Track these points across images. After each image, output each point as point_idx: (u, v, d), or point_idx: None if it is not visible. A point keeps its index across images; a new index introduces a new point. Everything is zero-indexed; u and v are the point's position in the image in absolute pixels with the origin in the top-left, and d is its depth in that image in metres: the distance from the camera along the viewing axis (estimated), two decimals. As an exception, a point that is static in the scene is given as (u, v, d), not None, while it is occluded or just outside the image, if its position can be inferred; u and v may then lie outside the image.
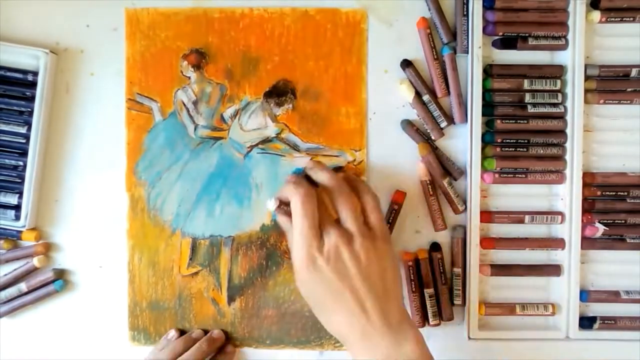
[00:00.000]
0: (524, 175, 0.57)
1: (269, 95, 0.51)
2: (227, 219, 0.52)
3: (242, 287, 0.52)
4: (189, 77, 0.51)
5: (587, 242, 0.58)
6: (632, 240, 0.58)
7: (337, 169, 0.51)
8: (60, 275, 0.54)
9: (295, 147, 0.52)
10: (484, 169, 0.55)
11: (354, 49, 0.51)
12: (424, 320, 0.54)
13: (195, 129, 0.52)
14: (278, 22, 0.51)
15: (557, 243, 0.56)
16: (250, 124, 0.52)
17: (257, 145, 0.52)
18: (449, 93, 0.55)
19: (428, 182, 0.52)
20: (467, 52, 0.57)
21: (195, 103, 0.52)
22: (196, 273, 0.52)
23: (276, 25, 0.51)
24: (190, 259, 0.52)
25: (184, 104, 0.52)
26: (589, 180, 0.58)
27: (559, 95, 0.58)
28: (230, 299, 0.52)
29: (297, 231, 0.44)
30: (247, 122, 0.52)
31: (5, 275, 0.55)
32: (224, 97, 0.51)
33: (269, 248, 0.52)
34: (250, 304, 0.52)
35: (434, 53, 0.55)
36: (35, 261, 0.54)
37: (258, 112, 0.52)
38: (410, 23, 0.54)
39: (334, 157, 0.51)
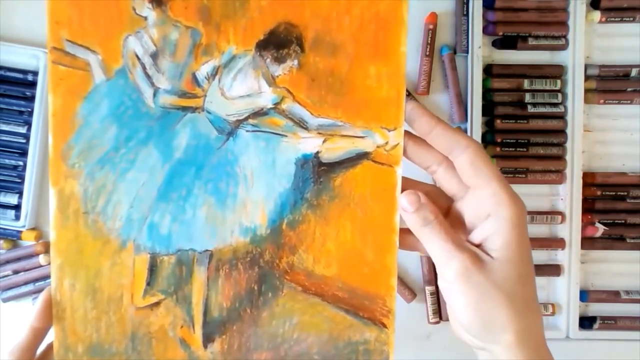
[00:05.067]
0: (524, 175, 0.61)
1: (264, 46, 0.38)
2: (203, 226, 0.39)
3: (224, 322, 0.39)
4: (145, 18, 0.37)
5: (587, 242, 0.61)
6: (632, 240, 0.62)
7: (361, 156, 0.39)
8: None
9: (302, 124, 0.38)
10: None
11: (388, -21, 0.38)
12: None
13: (154, 95, 0.38)
14: (278, -63, 0.37)
15: (557, 243, 0.60)
16: (237, 88, 0.38)
17: (246, 119, 0.38)
18: (428, 92, 0.61)
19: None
20: (467, 52, 0.60)
21: (154, 56, 0.38)
22: (157, 304, 0.39)
23: (275, -57, 0.37)
24: (148, 283, 0.39)
25: (138, 58, 0.37)
26: (589, 180, 0.62)
27: (559, 95, 0.62)
28: (208, 339, 0.39)
29: (516, 208, 0.36)
30: (231, 86, 0.38)
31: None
32: (198, 47, 0.38)
33: (263, 267, 0.39)
34: (236, 346, 0.39)
35: (427, 50, 0.58)
36: (41, 259, 0.61)
37: (248, 70, 0.38)
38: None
39: (358, 139, 0.38)
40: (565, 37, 0.62)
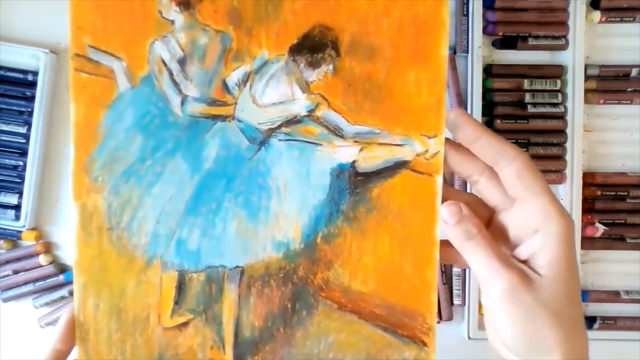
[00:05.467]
0: (524, 175, 0.61)
1: (297, 50, 0.36)
2: (234, 241, 0.37)
3: (256, 343, 0.37)
4: (172, 22, 0.36)
5: (587, 242, 0.62)
6: (632, 240, 0.63)
7: (400, 165, 0.37)
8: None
9: (338, 132, 0.36)
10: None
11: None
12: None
13: (182, 103, 0.36)
14: None
15: (557, 243, 0.60)
16: (269, 95, 0.36)
17: (279, 128, 0.37)
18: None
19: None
20: (467, 52, 0.60)
21: (182, 62, 0.36)
22: (185, 324, 0.37)
23: (309, -59, 0.36)
24: (176, 302, 0.37)
25: (165, 64, 0.36)
26: (589, 180, 0.62)
27: (559, 95, 0.62)
28: None
29: (565, 224, 0.34)
30: (263, 93, 0.36)
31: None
32: (228, 52, 0.36)
33: (297, 283, 0.37)
34: (268, 367, 0.38)
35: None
36: (41, 259, 0.62)
37: (281, 76, 0.36)
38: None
39: (396, 147, 0.37)
40: (565, 37, 0.63)
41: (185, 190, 0.36)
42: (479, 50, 0.61)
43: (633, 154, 0.64)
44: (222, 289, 0.37)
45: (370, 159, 0.37)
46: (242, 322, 0.37)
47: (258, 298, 0.37)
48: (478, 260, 0.35)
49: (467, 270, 0.58)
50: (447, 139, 0.37)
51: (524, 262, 0.35)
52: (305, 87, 0.36)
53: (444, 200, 0.37)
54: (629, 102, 0.64)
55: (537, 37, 0.63)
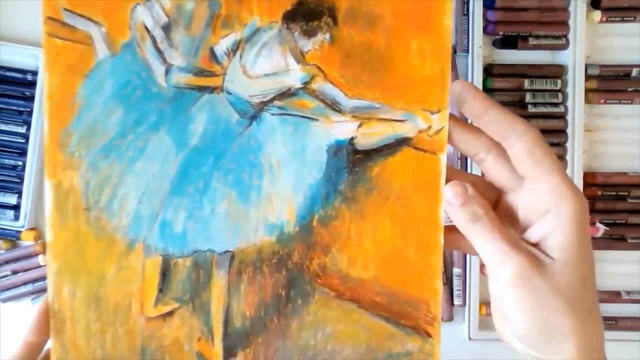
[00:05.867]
0: (524, 175, 0.61)
1: (292, 17, 0.34)
2: (223, 224, 0.34)
3: (247, 334, 0.35)
4: (156, -15, 0.33)
5: None
6: (632, 240, 0.63)
7: (401, 142, 0.35)
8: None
9: (335, 106, 0.34)
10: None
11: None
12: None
13: (167, 73, 0.34)
14: None
15: (557, 243, 0.60)
16: (261, 65, 0.34)
17: (272, 101, 0.34)
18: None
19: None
20: (467, 52, 0.60)
21: (166, 28, 0.33)
22: (170, 313, 0.35)
23: None
24: (161, 290, 0.35)
25: (148, 30, 0.33)
26: (590, 180, 0.62)
27: (560, 95, 0.63)
28: (229, 353, 0.35)
29: (579, 204, 0.32)
30: (255, 63, 0.34)
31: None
32: (216, 19, 0.33)
33: (292, 269, 0.35)
34: (260, 360, 0.35)
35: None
36: (41, 259, 0.61)
37: (274, 45, 0.34)
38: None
39: (397, 123, 0.34)
40: (565, 36, 0.64)
41: (170, 168, 0.34)
42: (479, 50, 0.62)
43: (634, 153, 0.64)
44: (211, 276, 0.35)
45: (370, 136, 0.34)
46: (233, 312, 0.35)
47: (249, 285, 0.35)
48: (485, 243, 0.33)
49: (467, 271, 0.58)
50: (451, 115, 0.34)
51: (535, 245, 0.33)
52: (300, 58, 0.34)
53: (447, 181, 0.34)
54: (629, 101, 0.64)
55: (537, 37, 0.64)
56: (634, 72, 0.64)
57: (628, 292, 0.63)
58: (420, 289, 0.35)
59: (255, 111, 0.34)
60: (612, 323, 0.63)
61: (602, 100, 0.64)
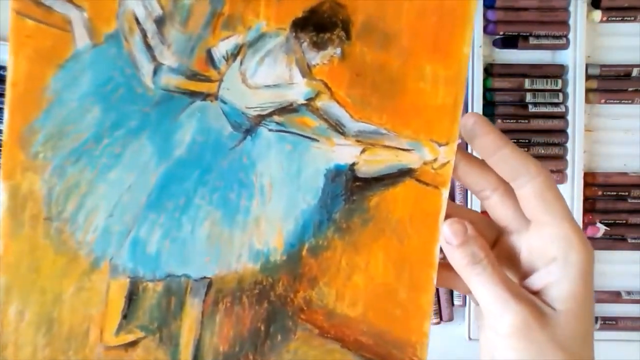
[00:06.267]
0: (525, 175, 0.62)
1: (302, 25, 0.31)
2: (203, 247, 0.31)
3: None
4: (152, -29, 0.30)
5: None
6: (633, 240, 0.63)
7: (405, 173, 0.32)
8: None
9: (339, 127, 0.32)
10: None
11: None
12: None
13: (155, 73, 0.30)
14: None
15: (557, 243, 0.61)
16: (263, 75, 0.31)
17: (271, 115, 0.31)
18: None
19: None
20: None
21: (159, 22, 0.30)
22: (134, 343, 0.31)
23: None
24: (125, 316, 0.31)
25: (138, 22, 0.30)
26: (590, 180, 0.63)
27: (560, 94, 0.63)
28: None
29: (587, 254, 0.32)
30: (256, 72, 0.31)
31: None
32: (218, 18, 0.30)
33: (274, 302, 0.32)
34: (231, 402, 0.32)
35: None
36: None
37: (279, 54, 0.31)
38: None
39: (402, 152, 0.32)
40: (566, 36, 0.64)
41: (148, 180, 0.31)
42: (480, 50, 0.61)
43: (634, 153, 0.65)
44: (183, 304, 0.31)
45: (373, 163, 0.32)
46: (204, 345, 0.32)
47: (226, 317, 0.32)
48: (484, 288, 0.31)
49: None
50: (459, 148, 0.33)
51: (536, 293, 0.32)
52: (307, 71, 0.31)
53: (446, 217, 0.33)
54: (630, 101, 0.65)
55: (538, 37, 0.64)
56: (635, 72, 0.65)
57: (628, 292, 0.64)
58: (408, 330, 0.33)
59: (251, 125, 0.31)
60: (612, 323, 0.63)
61: (603, 100, 0.64)
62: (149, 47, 0.30)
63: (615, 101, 0.65)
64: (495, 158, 0.32)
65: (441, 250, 0.33)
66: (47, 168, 0.30)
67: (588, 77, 0.64)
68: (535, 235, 0.32)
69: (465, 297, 0.60)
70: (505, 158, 0.32)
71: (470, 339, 0.60)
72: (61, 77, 0.29)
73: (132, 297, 0.31)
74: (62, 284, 0.30)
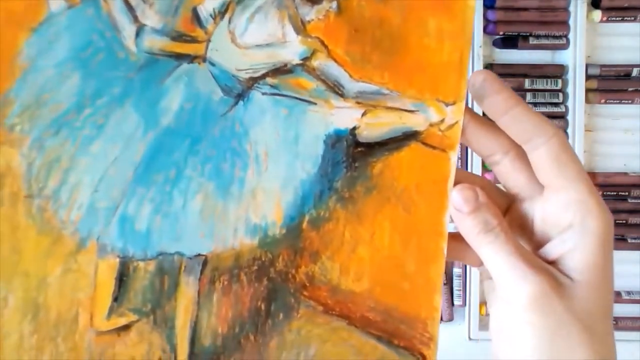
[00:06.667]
0: (525, 175, 0.64)
1: (293, -21, 0.29)
2: (196, 222, 0.30)
3: (217, 354, 0.31)
4: None
5: None
6: (633, 240, 0.64)
7: (409, 136, 0.31)
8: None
9: (337, 89, 0.30)
10: (485, 169, 0.59)
11: None
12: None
13: (137, 35, 0.29)
14: None
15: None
16: (254, 34, 0.30)
17: (263, 77, 0.30)
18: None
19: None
20: None
21: (140, -21, 0.28)
22: (126, 327, 0.30)
23: None
24: (116, 299, 0.30)
25: (116, -20, 0.28)
26: (590, 180, 0.62)
27: (560, 94, 0.65)
28: None
29: (607, 220, 0.30)
30: (246, 30, 0.30)
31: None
32: (203, -27, 0.29)
33: (274, 279, 0.31)
34: (231, 385, 0.32)
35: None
36: None
37: (270, 10, 0.29)
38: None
39: (406, 114, 0.31)
40: (566, 36, 0.65)
41: (135, 151, 0.29)
42: (480, 50, 0.63)
43: (634, 153, 0.66)
44: (178, 284, 0.30)
45: (375, 126, 0.31)
46: (202, 327, 0.31)
47: (224, 296, 0.31)
48: (498, 257, 0.30)
49: (468, 271, 0.60)
50: (467, 108, 0.31)
51: (552, 263, 0.30)
52: (301, 28, 0.30)
53: (455, 183, 0.31)
54: (630, 101, 0.66)
55: (538, 37, 0.65)
56: (635, 72, 0.66)
57: (628, 292, 0.65)
58: (417, 305, 0.32)
59: (243, 88, 0.30)
60: (613, 323, 0.68)
61: (603, 100, 0.65)
62: (129, 7, 0.28)
63: (615, 101, 0.66)
64: (507, 118, 0.30)
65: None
66: (25, 141, 0.28)
67: (588, 77, 0.65)
68: (550, 201, 0.31)
69: (465, 297, 0.62)
70: (518, 118, 0.30)
71: (470, 339, 0.61)
72: (35, 41, 0.28)
73: (123, 278, 0.30)
74: (46, 266, 0.29)
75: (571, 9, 0.65)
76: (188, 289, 0.30)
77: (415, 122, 0.31)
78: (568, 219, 0.30)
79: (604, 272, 0.30)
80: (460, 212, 0.31)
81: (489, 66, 0.64)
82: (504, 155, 0.32)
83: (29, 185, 0.29)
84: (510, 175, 0.32)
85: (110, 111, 0.29)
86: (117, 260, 0.30)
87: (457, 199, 0.31)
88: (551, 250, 0.31)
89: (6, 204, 0.28)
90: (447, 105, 0.31)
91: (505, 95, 0.30)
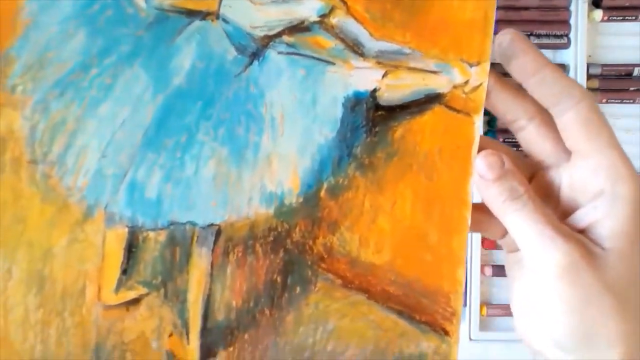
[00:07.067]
0: (526, 175, 0.64)
1: None
2: (209, 190, 0.29)
3: (231, 329, 0.30)
4: None
5: None
6: None
7: (433, 99, 0.30)
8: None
9: (357, 48, 0.29)
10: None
11: None
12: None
13: (146, -9, 0.28)
14: None
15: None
16: (269, -11, 0.28)
17: (279, 36, 0.29)
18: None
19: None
20: None
21: None
22: (136, 301, 0.30)
23: None
24: (124, 271, 0.29)
25: None
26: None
27: None
28: (207, 353, 0.30)
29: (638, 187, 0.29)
30: (261, -15, 0.28)
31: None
32: None
33: (291, 250, 0.30)
34: (246, 361, 0.31)
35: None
36: None
37: (286, -34, 0.28)
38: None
39: (429, 75, 0.30)
40: (567, 35, 0.66)
41: (144, 114, 0.29)
42: None
43: (635, 153, 0.65)
44: (190, 255, 0.30)
45: (396, 88, 0.30)
46: (215, 301, 0.30)
47: (238, 268, 0.30)
48: (525, 225, 0.29)
49: (467, 271, 0.60)
50: (491, 69, 0.30)
51: (581, 231, 0.30)
52: (318, -17, 0.28)
53: (479, 150, 0.30)
54: (631, 101, 0.67)
55: (538, 36, 0.67)
56: (636, 71, 0.66)
57: None
58: (439, 278, 0.31)
59: (258, 47, 0.29)
60: None
61: (604, 100, 0.66)
62: (137, -40, 0.27)
63: (616, 100, 0.67)
64: (535, 80, 0.29)
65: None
66: (27, 103, 0.28)
67: (589, 76, 0.66)
68: (578, 168, 0.30)
69: (466, 297, 0.62)
70: (547, 80, 0.29)
71: (470, 339, 0.62)
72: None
73: (132, 249, 0.29)
74: (52, 236, 0.28)
75: (572, 8, 0.66)
76: (200, 260, 0.29)
77: (439, 83, 0.30)
78: (598, 185, 0.29)
79: (637, 240, 0.29)
80: (485, 179, 0.30)
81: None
82: (529, 121, 0.31)
83: (32, 150, 0.28)
84: (535, 142, 0.31)
85: (118, 71, 0.28)
86: (126, 230, 0.29)
87: (482, 165, 0.30)
88: (580, 218, 0.30)
89: (8, 170, 0.28)
90: (471, 66, 0.30)
91: (533, 56, 0.30)
